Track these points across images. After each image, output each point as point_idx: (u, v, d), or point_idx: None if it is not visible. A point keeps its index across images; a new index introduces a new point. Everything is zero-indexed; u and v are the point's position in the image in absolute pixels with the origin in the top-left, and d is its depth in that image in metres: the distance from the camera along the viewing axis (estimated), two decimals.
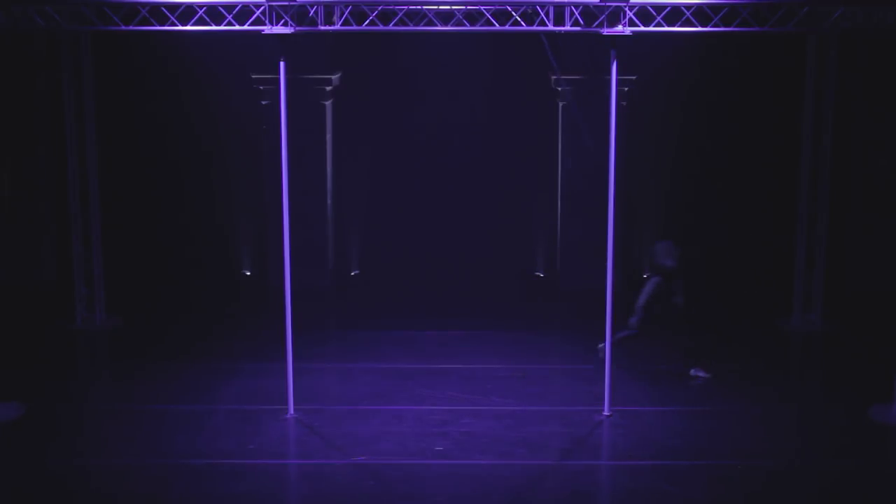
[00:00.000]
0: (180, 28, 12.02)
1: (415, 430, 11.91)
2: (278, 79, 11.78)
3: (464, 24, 12.05)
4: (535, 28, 11.85)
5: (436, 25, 11.93)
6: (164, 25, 12.04)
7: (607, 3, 11.50)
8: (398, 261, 18.49)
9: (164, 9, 11.97)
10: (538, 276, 18.80)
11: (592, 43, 12.68)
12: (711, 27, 12.06)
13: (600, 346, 12.94)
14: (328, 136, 17.75)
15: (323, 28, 11.75)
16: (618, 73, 11.83)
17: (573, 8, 11.58)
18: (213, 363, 14.13)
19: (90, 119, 15.58)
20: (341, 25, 11.91)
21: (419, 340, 15.18)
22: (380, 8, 11.85)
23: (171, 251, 18.35)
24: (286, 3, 11.56)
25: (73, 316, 15.89)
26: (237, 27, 11.87)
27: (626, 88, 17.02)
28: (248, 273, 18.65)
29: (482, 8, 11.91)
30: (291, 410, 12.25)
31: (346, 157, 18.37)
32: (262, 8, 11.69)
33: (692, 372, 13.57)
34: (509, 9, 11.90)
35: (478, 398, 12.96)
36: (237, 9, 11.86)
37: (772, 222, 17.83)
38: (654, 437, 11.73)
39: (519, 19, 11.90)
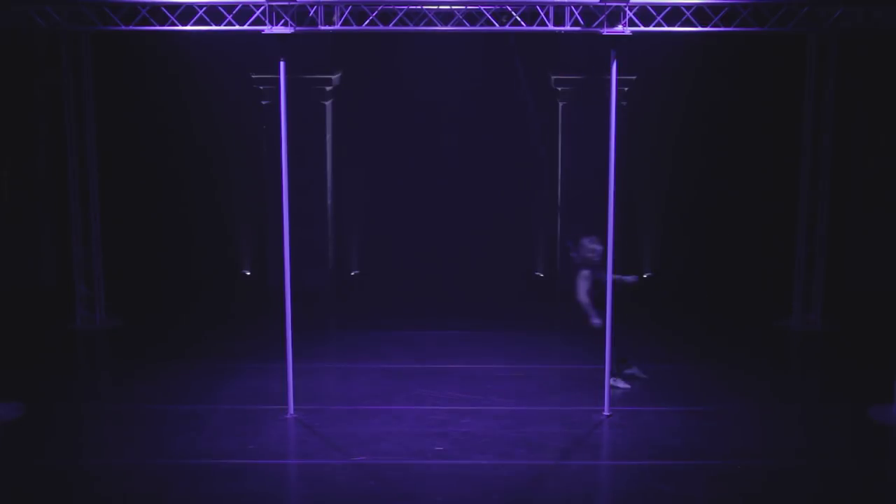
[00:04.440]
0: (180, 28, 12.02)
1: (415, 431, 11.91)
2: (278, 79, 11.77)
3: (464, 24, 12.05)
4: (535, 28, 11.85)
5: (436, 25, 11.93)
6: (164, 25, 12.04)
7: (607, 3, 11.50)
8: (398, 261, 18.50)
9: (164, 9, 11.97)
10: (538, 276, 18.81)
11: (592, 42, 12.67)
12: (711, 27, 12.06)
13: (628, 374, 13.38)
14: (328, 136, 17.76)
15: (323, 28, 11.75)
16: (618, 73, 11.83)
17: (573, 8, 11.58)
18: (213, 363, 14.13)
19: (90, 119, 15.59)
20: (341, 25, 11.91)
21: (419, 340, 15.18)
22: (380, 8, 11.85)
23: (170, 251, 18.38)
24: (286, 3, 11.56)
25: (73, 316, 15.89)
26: (237, 27, 11.87)
27: (626, 88, 17.03)
28: (248, 273, 18.66)
29: (482, 8, 11.92)
30: (291, 410, 12.25)
31: (346, 157, 18.38)
32: (262, 8, 11.69)
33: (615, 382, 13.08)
34: (509, 9, 11.90)
35: (478, 398, 12.96)
36: (237, 9, 11.86)
37: (771, 222, 17.84)
38: (654, 437, 11.73)
39: (519, 19, 11.89)
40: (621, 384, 13.22)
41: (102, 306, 15.99)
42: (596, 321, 12.60)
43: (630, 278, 13.02)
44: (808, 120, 15.32)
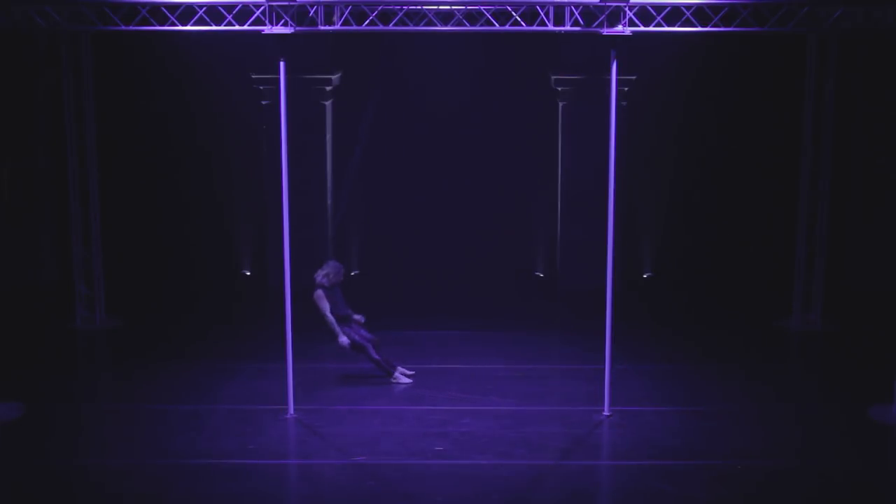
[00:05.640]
0: (180, 28, 12.01)
1: (415, 430, 11.91)
2: (278, 79, 11.78)
3: (464, 24, 12.04)
4: (535, 28, 11.85)
5: (436, 25, 11.93)
6: (164, 25, 12.03)
7: (607, 3, 11.49)
8: (398, 261, 18.50)
9: (164, 9, 11.97)
10: (538, 276, 18.80)
11: (592, 42, 12.67)
12: (711, 27, 12.05)
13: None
14: (328, 136, 17.77)
15: (323, 28, 11.75)
16: (618, 73, 11.83)
17: (573, 8, 11.58)
18: (213, 363, 14.13)
19: (90, 119, 15.58)
20: (341, 25, 11.91)
21: (419, 340, 15.18)
22: (380, 8, 11.85)
23: (171, 251, 18.39)
24: (286, 3, 11.56)
25: (73, 316, 15.89)
26: (237, 27, 11.87)
27: (626, 88, 17.03)
28: (248, 273, 18.65)
29: (482, 8, 11.92)
30: (291, 410, 12.25)
31: (346, 157, 18.38)
32: (262, 8, 11.69)
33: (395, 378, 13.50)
34: (509, 9, 11.90)
35: (478, 398, 12.96)
36: (237, 9, 11.86)
37: (771, 222, 17.85)
38: (654, 436, 11.73)
39: (519, 19, 11.89)
40: (403, 379, 13.44)
41: (102, 306, 15.98)
42: (342, 339, 13.12)
43: (343, 339, 13.21)
44: (808, 120, 15.32)
